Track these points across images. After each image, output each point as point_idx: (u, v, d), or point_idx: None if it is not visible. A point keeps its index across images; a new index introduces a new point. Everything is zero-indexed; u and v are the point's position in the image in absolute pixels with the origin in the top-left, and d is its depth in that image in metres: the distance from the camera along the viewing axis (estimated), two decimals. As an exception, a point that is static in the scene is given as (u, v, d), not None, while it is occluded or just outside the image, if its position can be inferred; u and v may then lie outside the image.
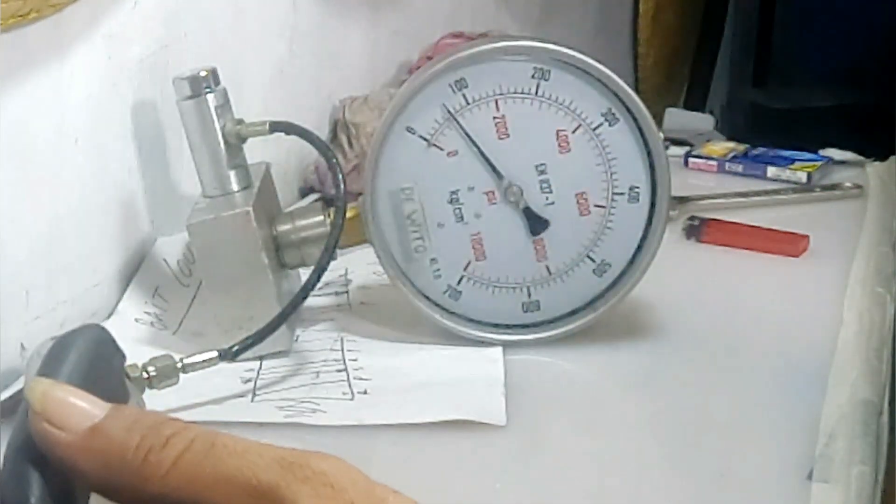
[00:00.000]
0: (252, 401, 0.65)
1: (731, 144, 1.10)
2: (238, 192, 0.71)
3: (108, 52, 0.72)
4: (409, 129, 0.68)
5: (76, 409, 0.34)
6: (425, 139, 0.68)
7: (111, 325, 0.69)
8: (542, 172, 0.69)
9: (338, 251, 0.68)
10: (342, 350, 0.71)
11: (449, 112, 0.68)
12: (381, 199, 0.69)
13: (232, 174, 0.72)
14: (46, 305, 0.67)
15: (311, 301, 0.71)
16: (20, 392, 0.37)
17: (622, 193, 0.69)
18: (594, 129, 0.68)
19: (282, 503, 0.31)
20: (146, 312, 0.74)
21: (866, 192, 1.00)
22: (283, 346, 0.70)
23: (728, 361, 0.70)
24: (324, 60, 1.01)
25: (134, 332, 0.71)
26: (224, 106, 0.72)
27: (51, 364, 0.37)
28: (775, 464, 0.59)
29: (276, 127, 0.72)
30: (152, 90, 0.77)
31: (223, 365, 0.63)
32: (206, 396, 0.64)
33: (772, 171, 1.03)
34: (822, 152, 1.07)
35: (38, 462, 0.34)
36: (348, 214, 0.69)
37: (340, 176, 0.69)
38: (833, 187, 1.00)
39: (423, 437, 0.60)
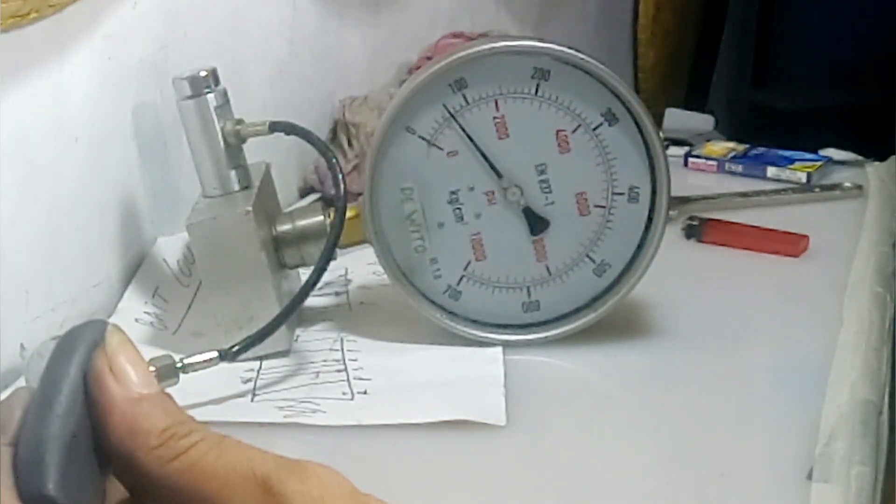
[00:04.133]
0: (252, 401, 0.65)
1: (731, 144, 1.10)
2: (238, 192, 0.71)
3: (108, 52, 0.72)
4: (409, 129, 0.68)
5: (138, 373, 0.37)
6: (425, 139, 0.68)
7: (111, 325, 0.69)
8: (542, 172, 0.69)
9: (338, 251, 0.68)
10: (342, 350, 0.71)
11: (449, 112, 0.68)
12: (381, 199, 0.69)
13: (232, 174, 0.72)
14: (46, 305, 0.67)
15: (311, 301, 0.71)
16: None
17: (622, 193, 0.69)
18: (594, 129, 0.68)
19: (271, 489, 0.34)
20: (146, 312, 0.74)
21: (866, 192, 1.00)
22: (283, 346, 0.70)
23: (728, 361, 0.70)
24: (323, 60, 1.01)
25: (134, 332, 0.71)
26: (224, 106, 0.72)
27: (59, 358, 0.37)
28: (775, 464, 0.59)
29: (276, 127, 0.72)
30: (152, 90, 0.77)
31: (223, 365, 0.63)
32: (206, 396, 0.64)
33: (772, 171, 1.03)
34: (822, 152, 1.07)
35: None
36: (348, 214, 0.69)
37: (340, 176, 0.69)
38: (833, 187, 1.00)
39: (423, 437, 0.60)
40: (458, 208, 0.69)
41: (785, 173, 1.03)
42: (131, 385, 0.37)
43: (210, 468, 0.35)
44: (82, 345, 0.37)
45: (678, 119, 1.30)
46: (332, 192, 0.81)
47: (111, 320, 0.71)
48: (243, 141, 0.72)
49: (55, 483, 0.34)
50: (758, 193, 0.99)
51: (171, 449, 0.36)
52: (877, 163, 1.07)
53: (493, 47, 0.68)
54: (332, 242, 0.68)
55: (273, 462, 0.35)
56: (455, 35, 1.13)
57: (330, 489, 0.34)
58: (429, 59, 1.03)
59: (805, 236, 0.86)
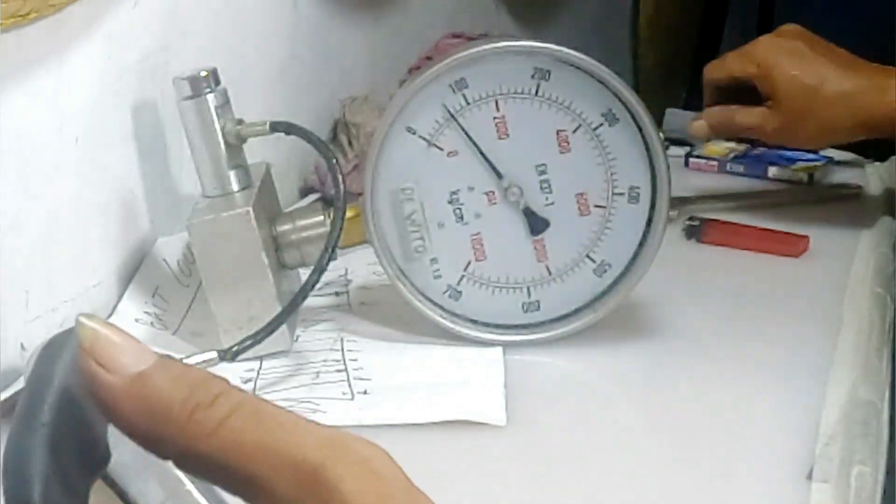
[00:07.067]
0: (252, 401, 0.65)
1: (732, 144, 1.10)
2: (238, 192, 0.71)
3: (108, 52, 0.72)
4: (409, 129, 0.68)
5: (125, 353, 0.34)
6: (425, 139, 0.68)
7: (111, 325, 0.69)
8: (542, 172, 0.69)
9: (338, 251, 0.68)
10: (342, 350, 0.71)
11: (449, 112, 0.68)
12: (381, 199, 0.69)
13: (232, 174, 0.72)
14: (46, 305, 0.67)
15: (311, 301, 0.71)
16: (20, 392, 0.37)
17: (622, 193, 0.69)
18: (594, 129, 0.68)
19: (325, 483, 0.31)
20: (146, 312, 0.74)
21: (866, 192, 1.00)
22: (283, 346, 0.70)
23: (728, 361, 0.70)
24: (324, 60, 1.01)
25: (134, 333, 0.70)
26: (224, 106, 0.72)
27: (40, 366, 0.36)
28: (775, 464, 0.59)
29: (276, 127, 0.72)
30: (152, 90, 0.77)
31: (223, 365, 0.63)
32: (206, 396, 0.64)
33: (773, 171, 1.03)
34: (822, 152, 1.07)
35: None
36: (348, 214, 0.69)
37: (340, 176, 0.69)
38: (833, 187, 1.00)
39: (423, 437, 0.60)
40: (458, 208, 0.69)
41: (786, 173, 1.03)
42: (124, 368, 0.33)
43: (251, 449, 0.31)
44: (65, 349, 0.37)
45: (678, 119, 1.30)
46: (332, 192, 0.81)
47: (111, 320, 0.72)
48: (243, 141, 0.72)
49: (39, 494, 0.34)
50: (758, 194, 0.99)
51: (203, 424, 0.32)
52: (877, 163, 1.07)
53: (493, 47, 0.68)
54: (332, 242, 0.68)
55: (328, 448, 0.31)
56: (455, 35, 1.13)
57: (387, 487, 0.31)
58: (429, 59, 1.03)
59: (805, 236, 0.86)
